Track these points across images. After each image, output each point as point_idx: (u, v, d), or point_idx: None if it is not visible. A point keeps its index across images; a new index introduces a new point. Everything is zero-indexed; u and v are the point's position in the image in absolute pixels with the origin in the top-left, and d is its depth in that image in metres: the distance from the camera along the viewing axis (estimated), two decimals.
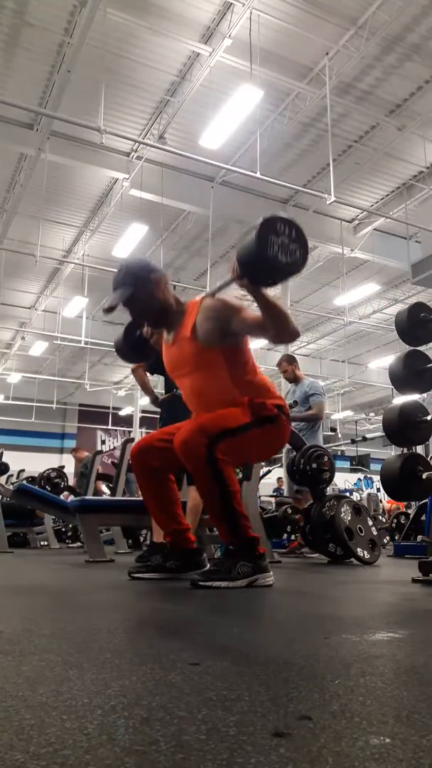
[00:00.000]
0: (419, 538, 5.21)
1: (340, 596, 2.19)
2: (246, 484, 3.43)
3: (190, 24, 7.43)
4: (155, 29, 7.37)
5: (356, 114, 8.96)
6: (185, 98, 8.42)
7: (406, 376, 2.87)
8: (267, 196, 11.03)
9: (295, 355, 6.13)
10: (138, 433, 17.60)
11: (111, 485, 6.91)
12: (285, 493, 5.31)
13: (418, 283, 10.57)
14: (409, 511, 6.82)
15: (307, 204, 11.15)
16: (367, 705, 0.70)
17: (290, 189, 10.13)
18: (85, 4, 6.73)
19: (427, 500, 4.41)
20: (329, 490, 4.82)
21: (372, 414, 22.91)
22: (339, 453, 19.55)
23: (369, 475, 21.87)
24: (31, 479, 7.62)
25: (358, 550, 3.92)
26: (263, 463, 4.57)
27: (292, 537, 4.99)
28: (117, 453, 6.89)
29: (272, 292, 2.17)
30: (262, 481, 5.14)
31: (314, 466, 4.24)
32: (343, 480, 19.17)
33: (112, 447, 20.35)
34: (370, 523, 4.29)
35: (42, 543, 7.12)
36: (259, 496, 5.44)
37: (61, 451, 20.96)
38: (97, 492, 7.87)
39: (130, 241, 11.05)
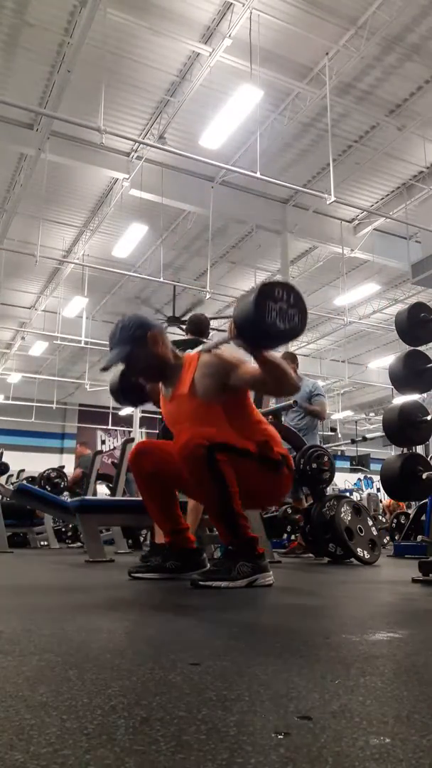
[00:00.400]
0: (419, 538, 5.21)
1: (340, 596, 2.19)
2: None
3: (190, 24, 7.43)
4: (155, 29, 7.37)
5: (356, 114, 8.96)
6: (185, 98, 8.42)
7: (406, 376, 2.87)
8: (267, 196, 11.04)
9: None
10: (138, 433, 17.60)
11: (111, 485, 6.92)
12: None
13: (418, 283, 10.57)
14: (409, 511, 6.82)
15: (307, 204, 11.15)
16: (367, 705, 0.70)
17: (290, 189, 10.12)
18: (85, 4, 6.73)
19: (427, 500, 4.42)
20: (329, 490, 4.82)
21: (372, 414, 22.90)
22: (339, 453, 19.55)
23: (369, 475, 21.87)
24: (31, 479, 7.62)
25: (358, 550, 3.92)
26: None
27: (292, 537, 4.99)
28: (117, 453, 6.90)
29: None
30: None
31: (314, 466, 4.24)
32: (343, 480, 19.18)
33: (112, 447, 20.35)
34: (370, 523, 4.29)
35: (42, 543, 7.12)
36: None
37: (61, 451, 20.96)
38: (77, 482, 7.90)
39: (130, 241, 11.05)
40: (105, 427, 21.74)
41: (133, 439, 6.80)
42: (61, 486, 7.38)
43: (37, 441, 20.16)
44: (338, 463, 7.60)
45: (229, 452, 2.15)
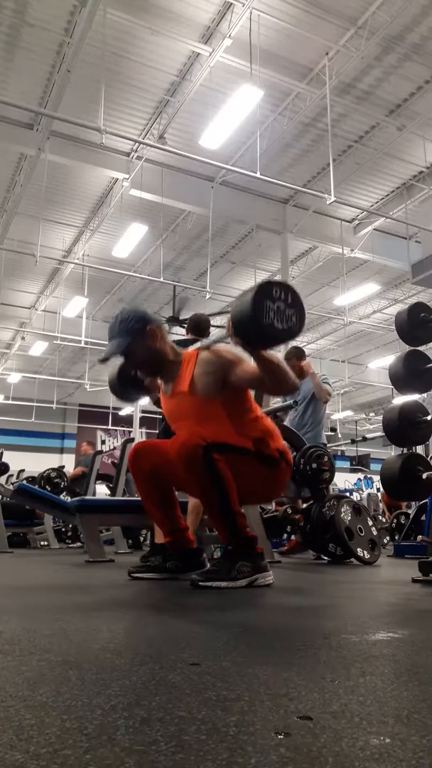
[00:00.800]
0: (419, 538, 5.21)
1: (340, 596, 2.19)
2: None
3: (190, 24, 7.43)
4: (155, 29, 7.38)
5: (356, 114, 8.96)
6: (185, 98, 8.42)
7: (406, 376, 2.86)
8: (267, 196, 11.04)
9: None
10: (138, 433, 17.60)
11: (111, 485, 6.91)
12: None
13: (418, 283, 10.57)
14: (409, 511, 6.82)
15: (307, 204, 11.15)
16: (367, 705, 0.70)
17: (290, 189, 10.13)
18: (85, 4, 6.73)
19: (427, 500, 4.41)
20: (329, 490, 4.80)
21: (372, 414, 22.91)
22: (339, 453, 19.55)
23: (369, 475, 21.88)
24: (31, 479, 7.61)
25: (358, 550, 3.92)
26: None
27: (292, 537, 4.96)
28: (117, 453, 6.89)
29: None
30: None
31: (314, 466, 4.24)
32: (343, 480, 19.18)
33: (112, 447, 20.35)
34: (370, 523, 4.29)
35: (42, 543, 7.12)
36: None
37: (61, 451, 20.96)
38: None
39: (130, 241, 11.05)
40: (105, 427, 21.75)
41: (133, 439, 6.80)
42: (61, 486, 7.37)
43: (37, 441, 20.16)
44: (338, 463, 7.59)
45: (226, 451, 2.15)
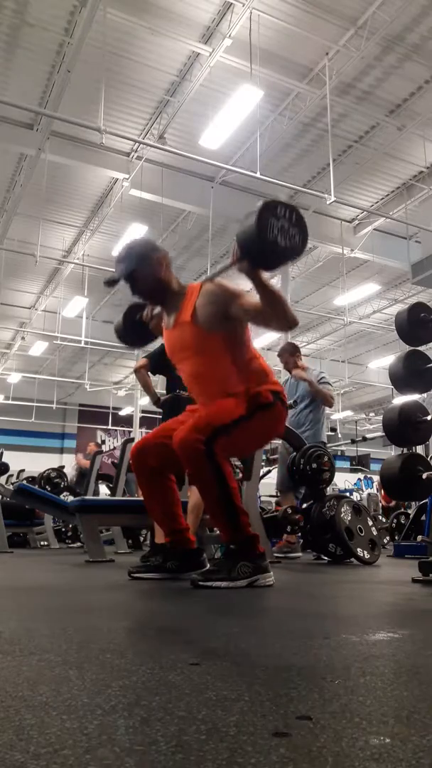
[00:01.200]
0: (419, 538, 5.21)
1: (340, 596, 2.19)
2: (246, 484, 3.43)
3: (190, 24, 7.43)
4: (155, 29, 7.37)
5: (356, 114, 8.96)
6: (185, 98, 8.42)
7: (406, 376, 2.87)
8: (267, 196, 10.93)
9: None
10: (138, 433, 17.59)
11: (111, 485, 6.91)
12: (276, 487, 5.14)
13: (418, 283, 10.57)
14: (409, 511, 6.82)
15: (307, 204, 11.12)
16: (367, 705, 0.70)
17: (290, 189, 10.12)
18: (85, 4, 6.73)
19: (427, 500, 4.41)
20: (329, 490, 4.79)
21: (372, 414, 22.91)
22: (339, 453, 19.54)
23: (369, 475, 21.86)
24: (31, 479, 7.61)
25: (358, 550, 3.92)
26: (263, 463, 4.56)
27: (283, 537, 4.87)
28: (117, 453, 6.89)
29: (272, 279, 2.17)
30: (262, 481, 5.11)
31: (314, 466, 4.24)
32: (343, 480, 19.17)
33: (112, 447, 20.34)
34: (370, 523, 4.29)
35: (42, 543, 7.12)
36: (259, 496, 5.42)
37: (61, 451, 20.96)
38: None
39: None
40: (105, 427, 21.75)
41: (133, 439, 6.80)
42: (62, 486, 7.37)
43: (37, 441, 20.16)
44: (338, 463, 7.59)
45: (224, 434, 2.16)
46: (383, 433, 3.01)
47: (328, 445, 5.26)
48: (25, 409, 19.21)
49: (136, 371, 3.63)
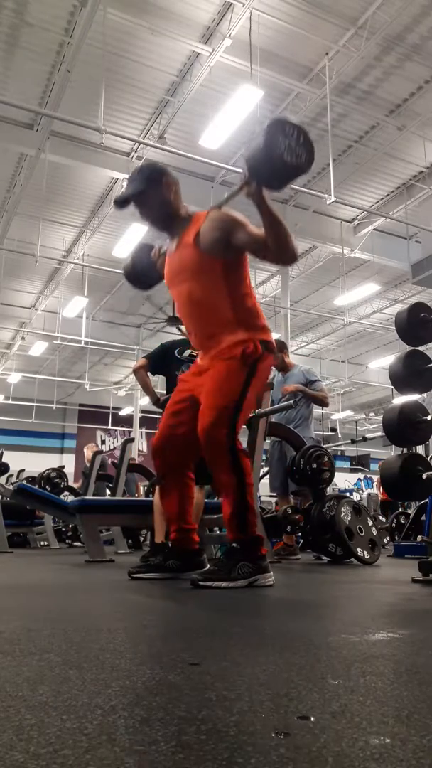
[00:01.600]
0: (419, 538, 5.20)
1: (340, 596, 2.19)
2: None
3: (190, 24, 7.43)
4: (155, 29, 7.38)
5: (356, 114, 8.97)
6: (185, 98, 8.43)
7: (406, 376, 2.87)
8: None
9: (296, 355, 6.01)
10: (138, 433, 17.60)
11: (111, 485, 6.91)
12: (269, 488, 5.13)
13: (418, 283, 10.58)
14: (409, 511, 6.82)
15: (307, 204, 11.16)
16: (367, 705, 0.70)
17: (290, 189, 10.13)
18: (85, 4, 6.73)
19: (427, 500, 4.41)
20: (329, 490, 4.79)
21: (372, 414, 22.91)
22: (339, 453, 19.56)
23: (369, 475, 21.87)
24: (31, 479, 7.61)
25: (358, 550, 3.92)
26: (263, 463, 4.55)
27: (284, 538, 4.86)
28: (117, 453, 6.88)
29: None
30: (262, 481, 5.11)
31: (314, 466, 4.24)
32: (343, 480, 19.17)
33: (112, 447, 20.35)
34: (370, 523, 4.29)
35: (42, 543, 7.12)
36: (259, 496, 5.41)
37: (61, 451, 20.97)
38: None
39: (130, 241, 11.04)
40: (105, 427, 21.75)
41: (132, 439, 6.80)
42: (61, 486, 7.37)
43: (37, 441, 20.16)
44: (338, 463, 7.60)
45: (238, 412, 2.21)
46: (383, 433, 3.01)
47: (328, 445, 5.26)
48: (25, 409, 19.21)
49: (136, 371, 3.62)
